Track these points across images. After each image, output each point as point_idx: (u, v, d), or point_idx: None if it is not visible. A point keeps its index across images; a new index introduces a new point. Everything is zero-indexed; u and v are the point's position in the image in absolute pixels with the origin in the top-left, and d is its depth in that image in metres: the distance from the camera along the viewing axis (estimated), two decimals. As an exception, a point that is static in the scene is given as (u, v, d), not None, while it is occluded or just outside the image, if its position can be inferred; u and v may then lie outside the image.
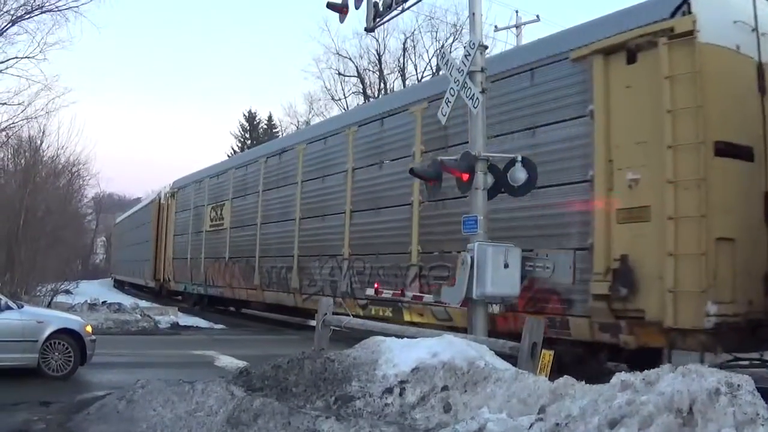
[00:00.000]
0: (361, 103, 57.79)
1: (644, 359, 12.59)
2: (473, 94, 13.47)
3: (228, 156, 73.80)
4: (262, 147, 40.79)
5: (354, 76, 62.80)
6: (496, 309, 13.96)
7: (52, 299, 31.58)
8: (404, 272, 19.94)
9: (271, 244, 29.33)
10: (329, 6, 16.88)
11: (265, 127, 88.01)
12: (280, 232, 28.33)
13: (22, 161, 36.45)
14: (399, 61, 60.44)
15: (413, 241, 19.72)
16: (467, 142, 14.22)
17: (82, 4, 33.93)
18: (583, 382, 8.17)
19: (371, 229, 22.00)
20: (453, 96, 13.98)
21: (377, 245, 21.44)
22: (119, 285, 69.25)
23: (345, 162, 23.73)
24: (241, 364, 15.26)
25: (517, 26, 40.86)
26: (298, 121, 68.45)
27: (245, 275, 31.59)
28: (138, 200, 74.70)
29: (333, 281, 23.76)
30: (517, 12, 41.00)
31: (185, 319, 32.43)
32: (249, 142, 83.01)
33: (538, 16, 39.89)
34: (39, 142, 36.49)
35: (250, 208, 31.95)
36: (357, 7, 16.72)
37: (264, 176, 30.70)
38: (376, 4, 16.55)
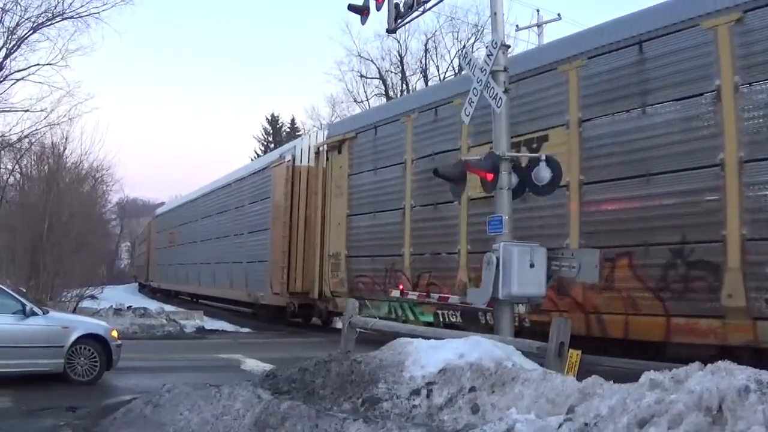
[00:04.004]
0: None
1: None
2: (496, 94, 13.43)
3: (254, 158, 73.59)
4: None
5: (376, 78, 62.80)
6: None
7: (77, 304, 31.74)
8: None
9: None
10: (350, 8, 16.92)
11: (288, 130, 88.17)
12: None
13: (46, 168, 36.67)
14: (421, 62, 60.38)
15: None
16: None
17: (103, 10, 34.30)
18: (612, 382, 8.12)
19: None
20: (476, 96, 13.92)
21: None
22: (152, 292, 61.73)
23: None
24: (268, 367, 15.27)
25: (539, 25, 40.82)
26: (320, 124, 68.39)
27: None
28: (162, 204, 72.13)
29: None
30: (538, 11, 40.84)
31: (211, 323, 32.52)
32: (272, 145, 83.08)
33: (559, 15, 39.94)
34: (62, 148, 36.81)
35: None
36: (378, 9, 16.74)
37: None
38: (397, 5, 16.56)
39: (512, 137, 15.64)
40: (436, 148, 21.02)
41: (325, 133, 30.30)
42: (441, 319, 19.65)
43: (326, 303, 27.63)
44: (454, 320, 18.74)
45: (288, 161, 30.67)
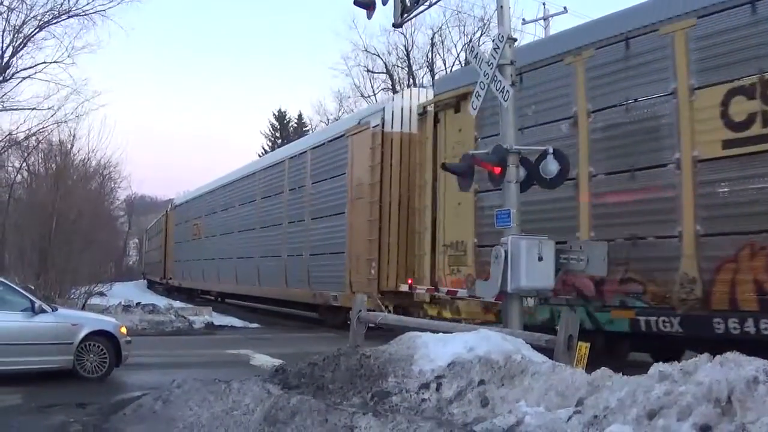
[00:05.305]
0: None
1: None
2: (503, 87, 13.42)
3: (262, 154, 73.29)
4: None
5: (383, 73, 62.91)
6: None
7: (86, 301, 31.73)
8: None
9: None
10: (357, 3, 16.86)
11: (295, 125, 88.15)
12: None
13: (53, 165, 36.66)
14: (427, 56, 60.46)
15: None
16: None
17: (109, 7, 34.43)
18: (621, 374, 8.11)
19: None
20: (483, 89, 13.92)
21: None
22: (168, 291, 56.90)
23: None
24: (277, 362, 15.25)
25: (545, 18, 40.72)
26: (327, 119, 68.35)
27: None
28: (170, 201, 70.02)
29: None
30: (544, 4, 40.76)
31: (220, 319, 32.46)
32: (279, 141, 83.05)
33: (565, 8, 39.73)
34: (69, 146, 36.80)
35: None
36: (384, 3, 16.70)
37: None
38: (403, 0, 16.52)
39: (720, 83, 13.24)
40: (629, 95, 15.32)
41: (431, 90, 24.02)
42: (645, 328, 14.28)
43: (440, 307, 20.06)
44: (668, 329, 13.88)
45: (375, 126, 24.77)
